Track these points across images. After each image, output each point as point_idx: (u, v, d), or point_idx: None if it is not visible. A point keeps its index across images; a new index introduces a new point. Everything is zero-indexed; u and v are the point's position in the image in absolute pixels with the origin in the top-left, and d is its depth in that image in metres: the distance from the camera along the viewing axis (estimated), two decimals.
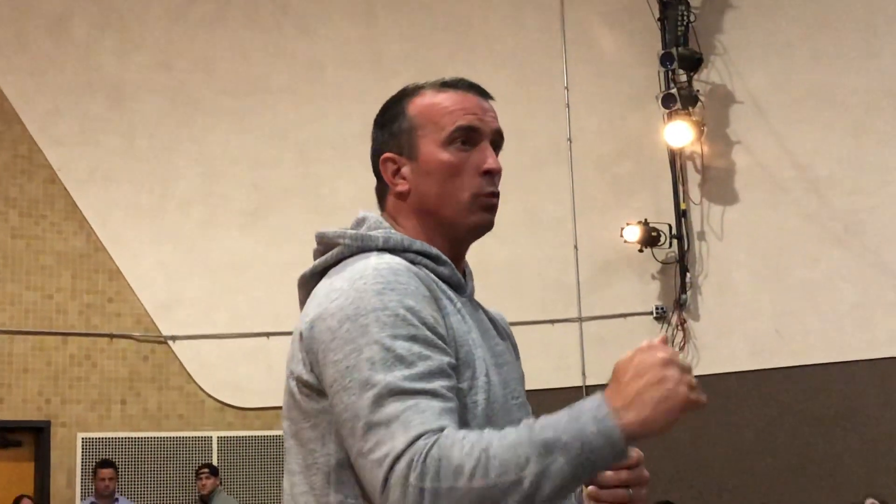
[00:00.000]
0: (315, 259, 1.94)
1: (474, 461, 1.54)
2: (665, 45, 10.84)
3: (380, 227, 1.91)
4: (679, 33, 10.80)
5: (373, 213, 1.97)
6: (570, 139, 11.37)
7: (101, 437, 10.57)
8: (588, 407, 1.60)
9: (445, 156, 1.91)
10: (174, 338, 10.95)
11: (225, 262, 11.06)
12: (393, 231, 1.90)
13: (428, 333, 1.69)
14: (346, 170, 10.45)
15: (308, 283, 1.93)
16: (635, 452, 1.89)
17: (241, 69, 11.50)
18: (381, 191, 1.99)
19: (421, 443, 1.56)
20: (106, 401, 10.71)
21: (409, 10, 11.68)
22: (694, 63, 10.88)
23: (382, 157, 1.96)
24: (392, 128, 1.96)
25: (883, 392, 9.85)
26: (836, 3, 10.59)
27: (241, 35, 11.56)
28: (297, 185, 11.10)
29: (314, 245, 1.96)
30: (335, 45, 11.62)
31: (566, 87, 11.45)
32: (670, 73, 10.80)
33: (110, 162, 11.04)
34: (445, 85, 1.97)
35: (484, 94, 1.98)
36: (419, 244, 1.88)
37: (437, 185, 1.91)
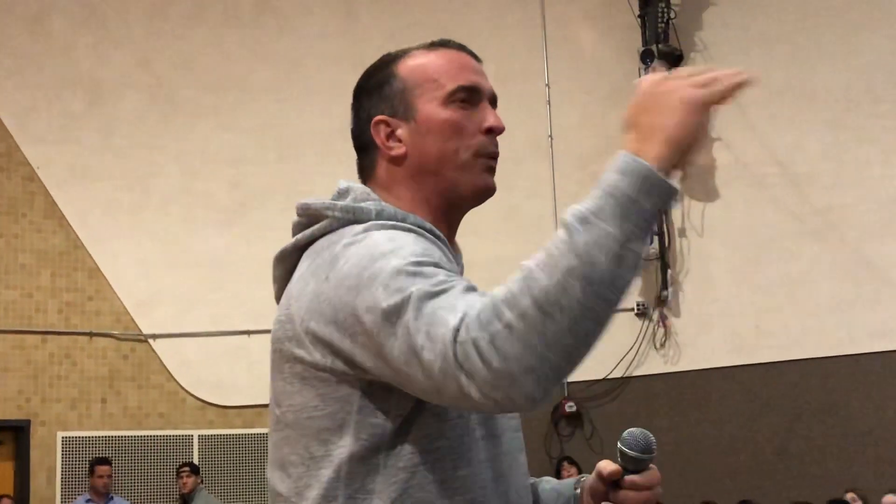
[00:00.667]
0: (294, 233, 1.83)
1: (519, 282, 1.44)
2: (645, 41, 10.88)
3: (368, 198, 1.79)
4: (659, 30, 10.83)
5: (356, 183, 1.85)
6: (550, 136, 11.38)
7: (81, 435, 10.52)
8: (607, 169, 1.48)
9: (447, 114, 1.81)
10: (154, 336, 10.92)
11: (205, 259, 11.03)
12: (384, 203, 1.78)
13: (446, 264, 1.62)
14: (327, 166, 10.41)
15: (288, 257, 1.82)
16: (655, 473, 1.85)
17: (221, 66, 11.47)
18: (369, 162, 1.86)
19: (475, 307, 1.46)
20: (86, 400, 10.67)
21: (389, 6, 11.67)
22: (674, 60, 10.92)
23: (375, 119, 1.83)
24: (383, 91, 1.85)
25: (862, 387, 9.89)
26: (815, 0, 10.64)
27: (220, 32, 11.53)
28: (277, 182, 11.08)
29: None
30: (315, 41, 11.60)
31: (547, 84, 11.47)
32: (650, 69, 10.82)
33: (90, 159, 11.00)
34: (435, 45, 1.88)
35: (475, 56, 1.90)
36: (413, 218, 1.76)
37: (438, 144, 1.80)
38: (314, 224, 1.79)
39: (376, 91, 1.86)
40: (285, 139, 11.36)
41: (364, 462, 1.64)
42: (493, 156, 1.84)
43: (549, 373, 1.43)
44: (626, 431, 1.86)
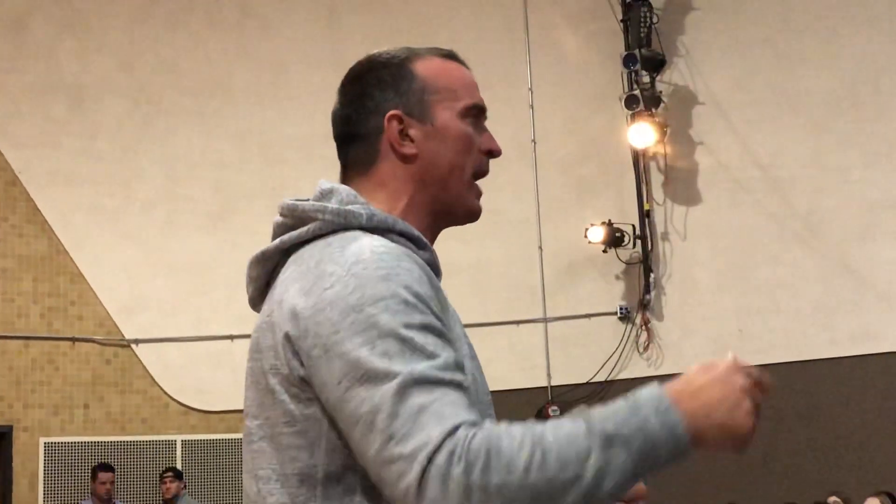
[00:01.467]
0: (277, 234, 1.77)
1: (528, 453, 1.42)
2: (628, 46, 10.90)
3: (355, 201, 1.73)
4: (642, 35, 10.85)
5: (337, 183, 1.79)
6: (534, 140, 11.39)
7: (63, 441, 10.48)
8: (646, 398, 1.51)
9: (464, 127, 1.81)
10: (137, 341, 10.88)
11: (188, 264, 11.00)
12: (373, 207, 1.73)
13: (438, 323, 1.57)
14: (310, 170, 10.39)
15: (270, 259, 1.77)
16: (640, 486, 1.85)
17: (204, 70, 11.45)
18: (367, 153, 1.81)
19: (461, 432, 1.43)
20: (69, 405, 10.62)
21: (371, 11, 11.67)
22: (656, 64, 10.95)
23: (390, 113, 1.78)
24: (400, 86, 1.80)
25: (844, 390, 9.94)
26: (797, 5, 10.68)
27: (203, 36, 11.51)
28: (260, 186, 11.06)
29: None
30: (298, 45, 11.59)
31: (530, 89, 11.48)
32: (633, 74, 10.85)
33: (72, 164, 10.96)
34: (448, 55, 1.88)
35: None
36: (402, 225, 1.72)
37: (451, 155, 1.79)
38: (300, 226, 1.74)
39: (392, 84, 1.81)
40: (268, 143, 11.34)
41: (340, 482, 1.59)
42: (484, 176, 1.86)
43: None
44: None
